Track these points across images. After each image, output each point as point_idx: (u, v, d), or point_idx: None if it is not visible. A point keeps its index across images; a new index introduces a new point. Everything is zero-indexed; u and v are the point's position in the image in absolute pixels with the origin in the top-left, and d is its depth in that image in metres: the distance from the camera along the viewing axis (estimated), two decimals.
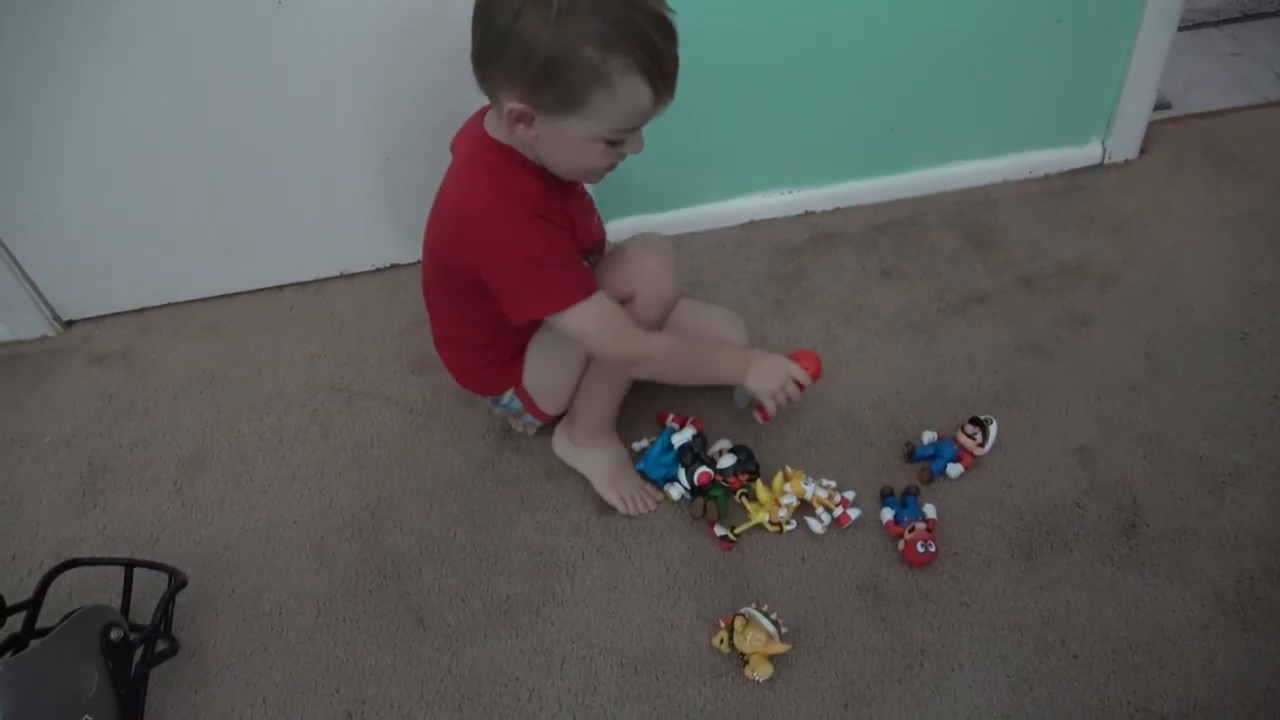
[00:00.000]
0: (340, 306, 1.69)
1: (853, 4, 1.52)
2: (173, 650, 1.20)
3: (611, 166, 1.12)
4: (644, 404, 1.41)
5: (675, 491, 1.34)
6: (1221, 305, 1.56)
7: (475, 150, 1.14)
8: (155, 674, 1.18)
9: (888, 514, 1.30)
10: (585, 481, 1.38)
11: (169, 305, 1.72)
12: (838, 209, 1.78)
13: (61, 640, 1.07)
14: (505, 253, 1.11)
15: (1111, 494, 1.32)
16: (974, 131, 1.75)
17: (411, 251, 1.73)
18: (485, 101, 1.13)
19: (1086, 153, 1.82)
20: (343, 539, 1.35)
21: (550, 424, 1.42)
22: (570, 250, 1.16)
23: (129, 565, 1.23)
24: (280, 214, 1.63)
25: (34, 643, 1.12)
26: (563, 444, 1.38)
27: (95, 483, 1.45)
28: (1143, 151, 1.84)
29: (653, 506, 1.34)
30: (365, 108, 1.53)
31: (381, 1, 1.41)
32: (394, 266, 1.75)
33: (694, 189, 1.73)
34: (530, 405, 1.34)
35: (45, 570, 1.21)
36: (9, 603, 1.17)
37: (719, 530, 1.30)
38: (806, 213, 1.78)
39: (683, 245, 1.69)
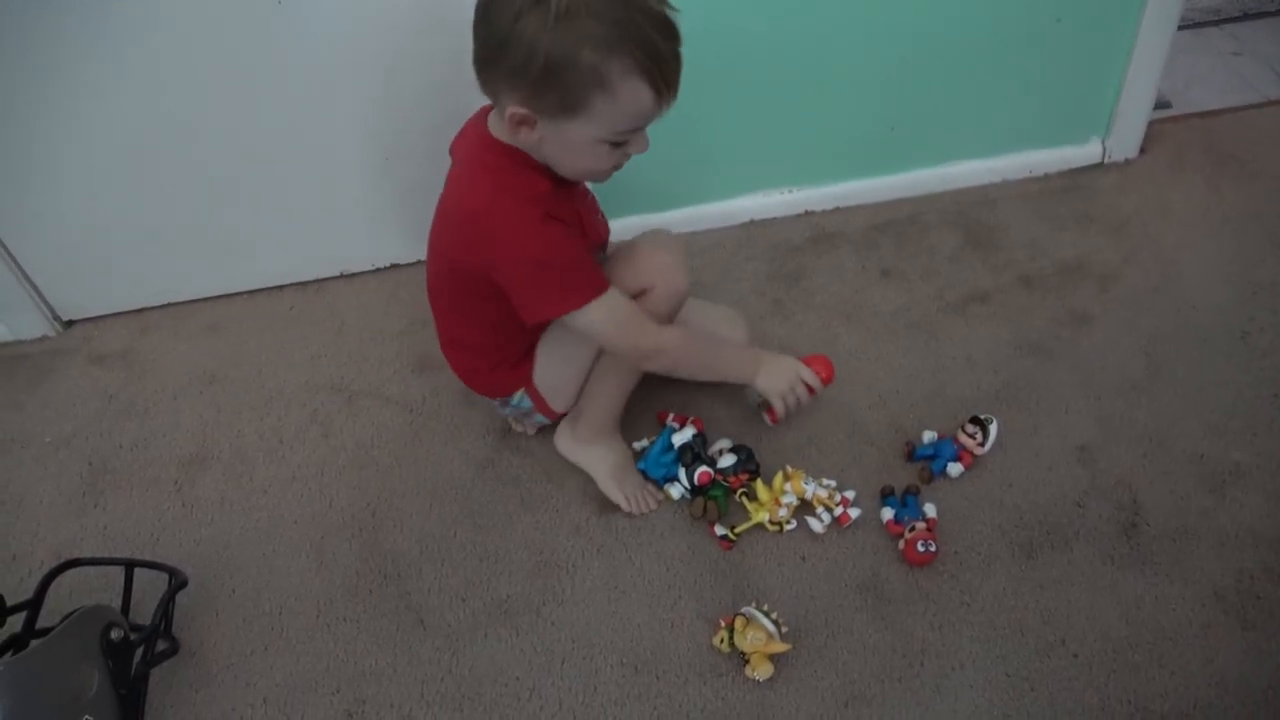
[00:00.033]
0: (340, 306, 1.69)
1: (853, 4, 1.52)
2: (173, 650, 1.20)
3: (618, 166, 1.12)
4: (644, 403, 1.41)
5: (675, 491, 1.34)
6: (1222, 304, 1.56)
7: (481, 153, 1.13)
8: (156, 674, 1.18)
9: (888, 513, 1.30)
10: (586, 481, 1.38)
11: (169, 305, 1.72)
12: (838, 208, 1.78)
13: (62, 640, 1.07)
14: (519, 255, 1.11)
15: (1112, 493, 1.32)
16: (974, 131, 1.75)
17: (411, 251, 1.73)
18: (484, 102, 1.13)
19: (1086, 152, 1.82)
20: (343, 539, 1.35)
21: (553, 424, 1.42)
22: (582, 248, 1.17)
23: (129, 565, 1.23)
24: (280, 214, 1.64)
25: (34, 643, 1.12)
26: (566, 440, 1.38)
27: (95, 483, 1.45)
28: (1143, 151, 1.84)
29: (654, 506, 1.34)
30: (365, 108, 1.53)
31: (381, 1, 1.41)
32: (394, 266, 1.75)
33: (694, 188, 1.73)
34: (541, 404, 1.33)
35: (45, 570, 1.21)
36: (9, 603, 1.17)
37: (719, 530, 1.30)
38: (806, 212, 1.78)
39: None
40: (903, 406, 1.45)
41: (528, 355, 1.31)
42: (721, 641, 1.18)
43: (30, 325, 1.67)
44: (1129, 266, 1.64)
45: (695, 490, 1.33)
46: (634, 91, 1.01)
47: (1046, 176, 1.82)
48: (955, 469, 1.34)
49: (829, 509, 1.30)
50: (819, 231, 1.75)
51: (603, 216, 1.31)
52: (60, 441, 1.51)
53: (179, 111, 1.47)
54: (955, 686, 1.15)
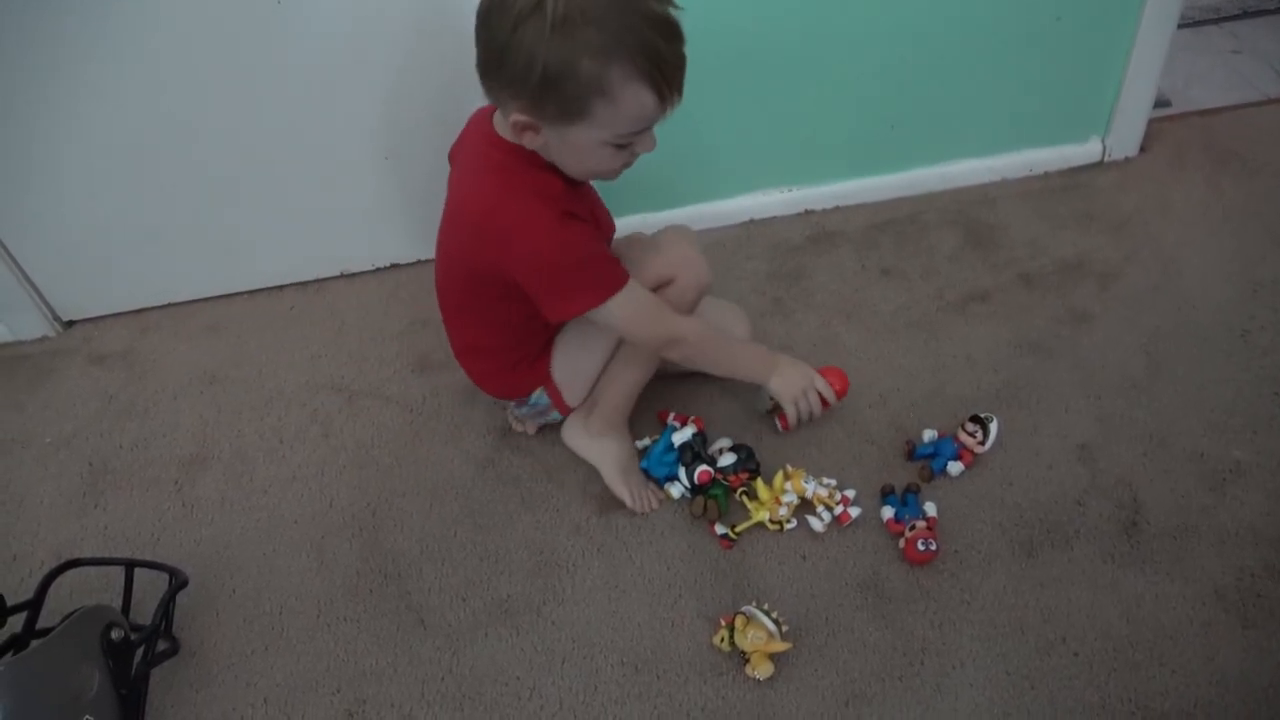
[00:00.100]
0: (340, 306, 1.69)
1: (852, 3, 1.52)
2: (173, 650, 1.20)
3: (627, 165, 1.12)
4: (645, 403, 1.40)
5: (676, 490, 1.34)
6: (1222, 302, 1.56)
7: (491, 154, 1.13)
8: (156, 674, 1.18)
9: (888, 512, 1.30)
10: (586, 480, 1.38)
11: (169, 305, 1.72)
12: (838, 207, 1.78)
13: (62, 640, 1.07)
14: (542, 256, 1.10)
15: (1112, 492, 1.32)
16: (974, 130, 1.75)
17: (411, 251, 1.74)
18: (483, 102, 1.13)
19: (1086, 150, 1.82)
20: (343, 538, 1.35)
21: (554, 423, 1.42)
22: (600, 243, 1.18)
23: (130, 565, 1.23)
24: (280, 214, 1.64)
25: (35, 643, 1.12)
26: (576, 432, 1.37)
27: (96, 483, 1.45)
28: (1143, 149, 1.84)
29: (656, 505, 1.34)
30: (365, 108, 1.53)
31: (381, 1, 1.41)
32: (394, 266, 1.75)
33: (694, 187, 1.73)
34: (556, 398, 1.33)
35: (46, 570, 1.21)
36: (10, 603, 1.17)
37: (719, 529, 1.30)
38: (806, 211, 1.78)
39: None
40: (903, 405, 1.45)
41: (544, 352, 1.31)
42: (722, 640, 1.18)
43: (30, 325, 1.67)
44: (1129, 265, 1.64)
45: (695, 489, 1.33)
46: (636, 96, 1.00)
47: (1046, 175, 1.82)
48: (955, 468, 1.34)
49: (829, 508, 1.30)
50: (819, 230, 1.75)
51: (607, 209, 1.31)
52: (60, 442, 1.51)
53: (179, 111, 1.48)
54: (956, 685, 1.15)
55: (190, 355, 1.63)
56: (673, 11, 1.00)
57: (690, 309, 1.27)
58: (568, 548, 1.31)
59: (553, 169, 1.12)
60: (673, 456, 1.35)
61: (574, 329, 1.28)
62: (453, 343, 1.35)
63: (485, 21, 1.01)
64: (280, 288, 1.73)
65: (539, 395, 1.33)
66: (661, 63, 0.99)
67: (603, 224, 1.26)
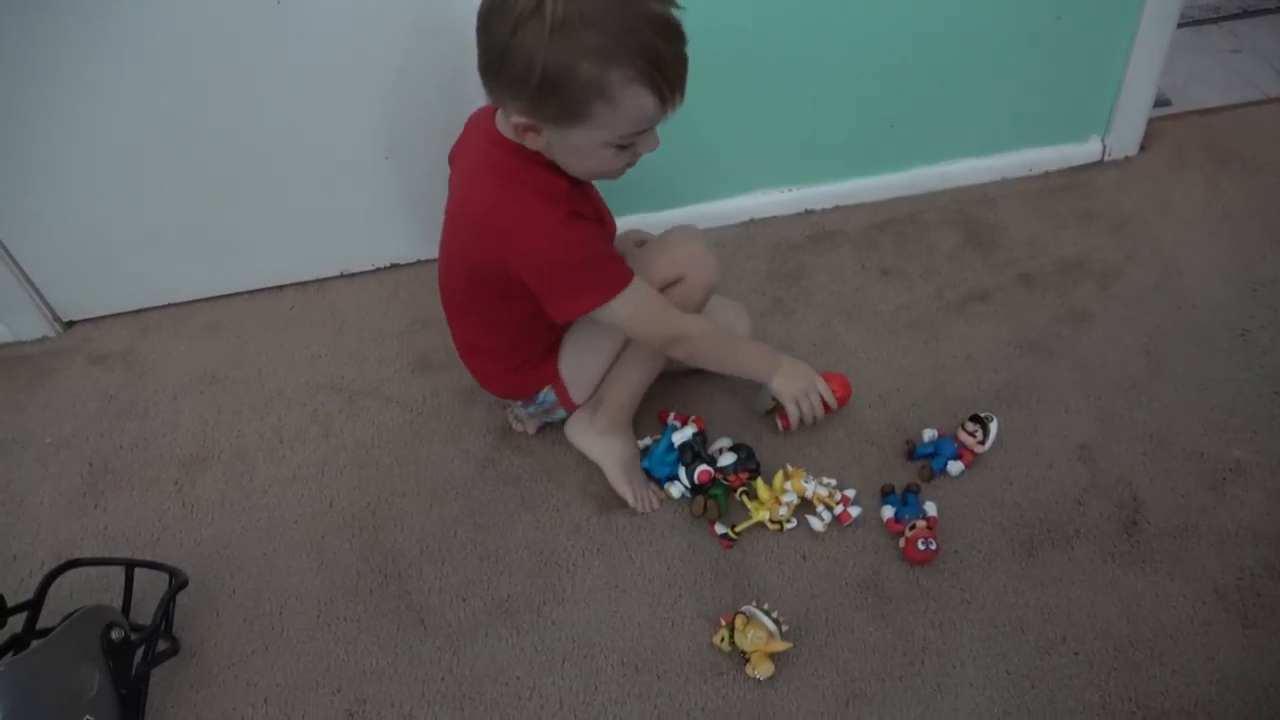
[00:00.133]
0: (340, 306, 1.69)
1: (852, 3, 1.52)
2: (174, 650, 1.20)
3: (630, 164, 1.11)
4: (645, 403, 1.40)
5: (676, 490, 1.34)
6: (1222, 301, 1.56)
7: (494, 153, 1.13)
8: (156, 674, 1.18)
9: (888, 512, 1.30)
10: (586, 480, 1.38)
11: (169, 306, 1.72)
12: (837, 207, 1.78)
13: (62, 640, 1.07)
14: (545, 255, 1.10)
15: (1112, 491, 1.32)
16: (973, 129, 1.75)
17: (411, 251, 1.74)
18: (483, 101, 1.13)
19: (1086, 150, 1.82)
20: (343, 538, 1.35)
21: (554, 422, 1.42)
22: (605, 242, 1.18)
23: (130, 565, 1.23)
24: (280, 214, 1.64)
25: (35, 643, 1.12)
26: (580, 429, 1.36)
27: (96, 483, 1.45)
28: (1143, 148, 1.84)
29: (657, 505, 1.34)
30: (365, 107, 1.53)
31: (381, 1, 1.41)
32: (394, 266, 1.75)
33: (694, 187, 1.73)
34: (562, 395, 1.33)
35: (46, 571, 1.21)
36: (10, 603, 1.18)
37: (719, 528, 1.30)
38: (806, 211, 1.78)
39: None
40: (903, 405, 1.45)
41: (550, 352, 1.31)
42: (722, 640, 1.18)
43: (30, 326, 1.67)
44: (1129, 264, 1.64)
45: (695, 489, 1.33)
46: (636, 99, 1.00)
47: (1046, 174, 1.82)
48: (955, 467, 1.34)
49: (829, 507, 1.30)
50: (819, 230, 1.75)
51: (609, 211, 1.31)
52: (61, 442, 1.51)
53: (179, 111, 1.47)
54: (956, 684, 1.15)
55: (190, 355, 1.63)
56: (674, 12, 1.00)
57: (698, 308, 1.28)
58: (568, 547, 1.31)
59: (556, 168, 1.11)
60: (674, 456, 1.35)
61: (581, 326, 1.28)
62: (457, 344, 1.35)
63: (485, 24, 1.01)
64: (280, 288, 1.73)
65: (546, 393, 1.33)
66: (662, 64, 0.99)
67: (606, 223, 1.26)
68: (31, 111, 1.43)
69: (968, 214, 1.76)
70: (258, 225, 1.64)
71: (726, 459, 1.33)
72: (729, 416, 1.44)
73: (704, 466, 1.32)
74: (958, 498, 1.32)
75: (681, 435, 1.35)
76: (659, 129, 1.07)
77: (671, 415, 1.41)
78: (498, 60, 1.00)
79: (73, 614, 1.11)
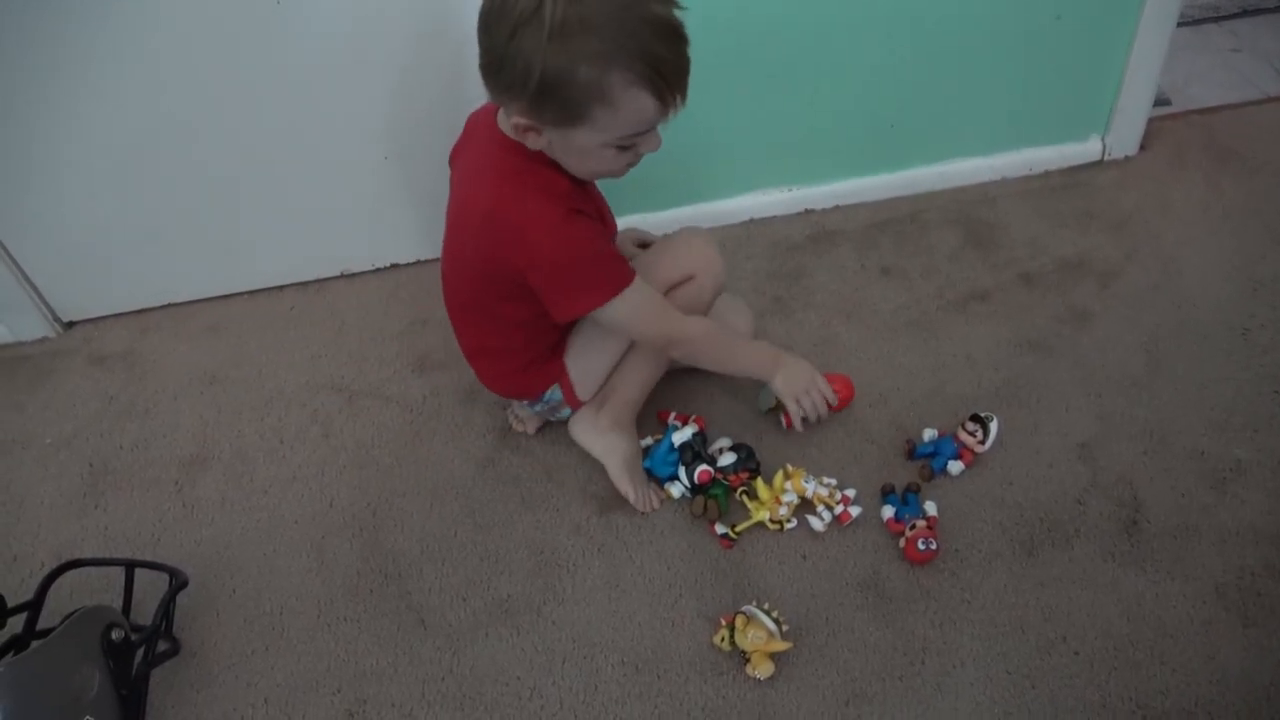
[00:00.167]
0: (340, 306, 1.69)
1: (852, 2, 1.52)
2: (174, 650, 1.20)
3: (632, 164, 1.11)
4: (646, 402, 1.40)
5: (676, 490, 1.34)
6: (1222, 301, 1.56)
7: (495, 152, 1.12)
8: (156, 674, 1.19)
9: (888, 511, 1.30)
10: (586, 480, 1.38)
11: (169, 306, 1.72)
12: (837, 207, 1.78)
13: (63, 641, 1.07)
14: (546, 253, 1.10)
15: (1112, 490, 1.32)
16: (973, 129, 1.75)
17: (411, 251, 1.74)
18: (483, 101, 1.13)
19: (1086, 149, 1.82)
20: (344, 539, 1.35)
21: (554, 422, 1.42)
22: (607, 240, 1.18)
23: (130, 566, 1.23)
24: (280, 214, 1.64)
25: (35, 643, 1.12)
26: (586, 427, 1.36)
27: (96, 483, 1.45)
28: (1143, 148, 1.84)
29: (658, 505, 1.34)
30: (365, 107, 1.53)
31: (381, 1, 1.41)
32: (394, 266, 1.75)
33: (694, 187, 1.73)
34: (568, 392, 1.33)
35: (46, 571, 1.21)
36: (10, 604, 1.18)
37: (720, 528, 1.30)
38: (806, 210, 1.78)
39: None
40: (903, 404, 1.45)
41: (556, 351, 1.31)
42: (722, 640, 1.18)
43: (31, 326, 1.67)
44: (1129, 264, 1.64)
45: (695, 489, 1.33)
46: (635, 102, 1.00)
47: (1046, 174, 1.82)
48: (956, 467, 1.34)
49: (829, 507, 1.30)
50: (819, 230, 1.75)
51: (610, 210, 1.31)
52: (61, 442, 1.51)
53: (179, 111, 1.47)
54: (956, 684, 1.15)
55: (190, 356, 1.63)
56: (676, 14, 0.99)
57: (707, 307, 1.29)
58: (568, 547, 1.31)
59: (558, 167, 1.11)
60: (675, 456, 1.34)
61: (588, 323, 1.28)
62: (463, 348, 1.35)
63: (486, 25, 1.01)
64: (280, 288, 1.73)
65: (553, 391, 1.33)
66: (662, 68, 0.98)
67: (608, 222, 1.26)
68: (31, 111, 1.43)
69: (968, 213, 1.75)
70: (258, 225, 1.64)
71: (727, 459, 1.33)
72: (729, 416, 1.44)
73: (704, 466, 1.32)
74: (958, 497, 1.32)
75: (682, 435, 1.35)
76: (660, 129, 1.07)
77: (672, 415, 1.41)
78: (497, 62, 1.00)
79: (73, 614, 1.11)
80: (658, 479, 1.36)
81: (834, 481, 1.33)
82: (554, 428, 1.44)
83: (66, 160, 1.50)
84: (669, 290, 1.27)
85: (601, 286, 1.13)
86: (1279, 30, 2.13)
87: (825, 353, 1.52)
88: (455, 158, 1.25)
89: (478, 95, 1.10)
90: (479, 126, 1.18)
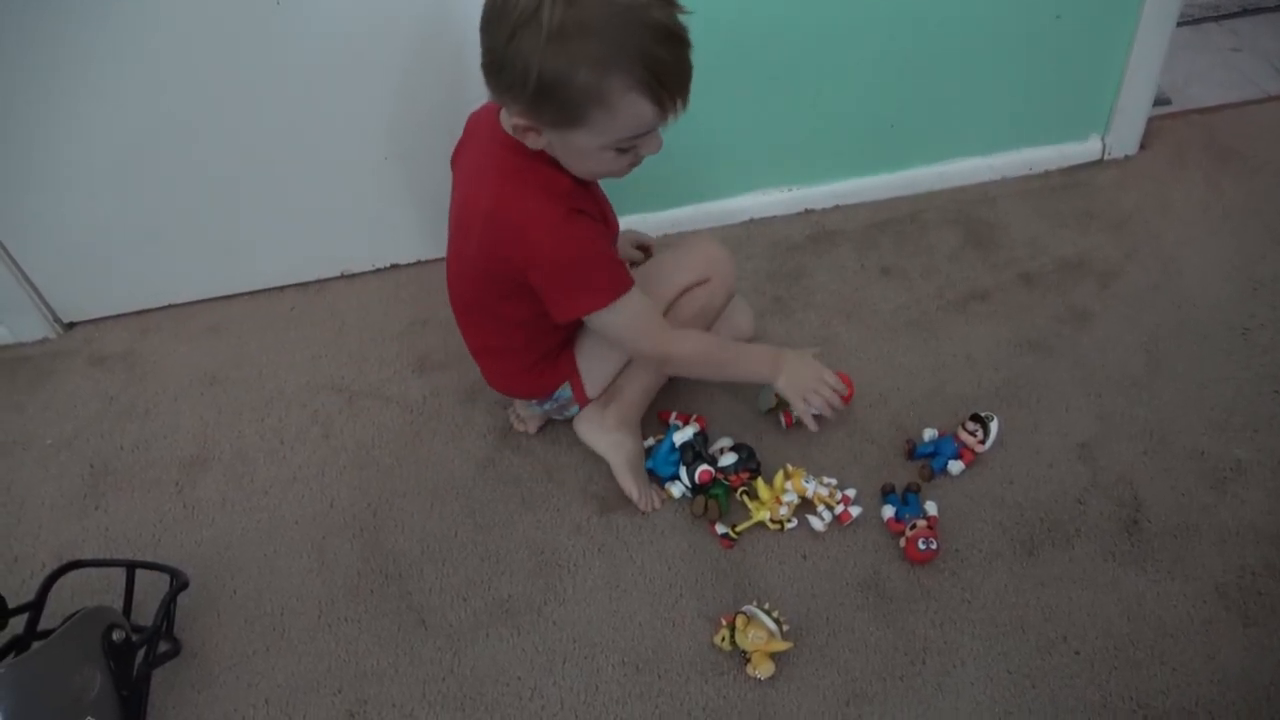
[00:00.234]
0: (341, 307, 1.69)
1: (852, 1, 1.52)
2: (175, 651, 1.20)
3: (634, 164, 1.10)
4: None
5: (676, 490, 1.34)
6: (1222, 300, 1.56)
7: (498, 152, 1.12)
8: (157, 675, 1.19)
9: (889, 511, 1.30)
10: (587, 480, 1.38)
11: (170, 307, 1.72)
12: (837, 207, 1.78)
13: (63, 642, 1.07)
14: (549, 252, 1.10)
15: (1113, 490, 1.32)
16: (973, 128, 1.75)
17: (411, 252, 1.74)
18: (483, 101, 1.13)
19: (1086, 149, 1.82)
20: (344, 539, 1.35)
21: (555, 421, 1.42)
22: (608, 242, 1.18)
23: (131, 566, 1.23)
24: (280, 214, 1.64)
25: (36, 644, 1.12)
26: (591, 425, 1.36)
27: (97, 484, 1.45)
28: (1143, 147, 1.84)
29: (659, 505, 1.34)
30: (365, 108, 1.53)
31: (381, 2, 1.41)
32: (394, 267, 1.75)
33: (694, 187, 1.73)
34: (578, 388, 1.33)
35: (47, 572, 1.21)
36: (11, 605, 1.18)
37: (720, 528, 1.30)
38: (806, 210, 1.78)
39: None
40: (903, 404, 1.45)
41: (564, 348, 1.31)
42: (723, 640, 1.18)
43: (31, 327, 1.67)
44: (1129, 263, 1.64)
45: (696, 489, 1.33)
46: (634, 106, 0.99)
47: (1046, 174, 1.82)
48: (956, 467, 1.34)
49: (830, 507, 1.30)
50: (819, 230, 1.75)
51: (613, 210, 1.31)
52: (61, 443, 1.51)
53: (179, 111, 1.47)
54: (957, 684, 1.15)
55: (191, 356, 1.63)
56: (677, 18, 0.98)
57: (718, 311, 1.31)
58: (568, 547, 1.31)
59: (559, 166, 1.11)
60: (676, 456, 1.35)
61: None
62: (468, 345, 1.35)
63: (486, 25, 1.01)
64: (281, 288, 1.73)
65: (563, 389, 1.33)
66: (662, 73, 0.98)
67: (610, 223, 1.26)
68: (31, 111, 1.43)
69: (968, 213, 1.76)
70: (258, 226, 1.64)
71: (727, 459, 1.33)
72: (730, 416, 1.44)
73: (705, 466, 1.32)
74: (958, 497, 1.32)
75: (683, 435, 1.35)
76: (661, 130, 1.07)
77: (673, 415, 1.42)
78: (497, 63, 1.00)
79: (74, 615, 1.11)
80: (659, 479, 1.36)
81: (834, 481, 1.33)
82: (555, 427, 1.44)
83: (66, 160, 1.50)
84: (683, 292, 1.27)
85: (602, 288, 1.13)
86: (1279, 29, 2.13)
87: (825, 353, 1.52)
88: (457, 158, 1.25)
89: (478, 96, 1.10)
90: (480, 126, 1.18)
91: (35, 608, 1.17)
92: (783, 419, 1.39)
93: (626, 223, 1.49)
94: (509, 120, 1.07)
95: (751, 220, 1.77)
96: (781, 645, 1.15)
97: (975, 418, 1.36)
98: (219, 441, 1.49)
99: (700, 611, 1.23)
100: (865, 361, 1.51)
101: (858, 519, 1.30)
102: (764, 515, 1.29)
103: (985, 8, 1.57)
